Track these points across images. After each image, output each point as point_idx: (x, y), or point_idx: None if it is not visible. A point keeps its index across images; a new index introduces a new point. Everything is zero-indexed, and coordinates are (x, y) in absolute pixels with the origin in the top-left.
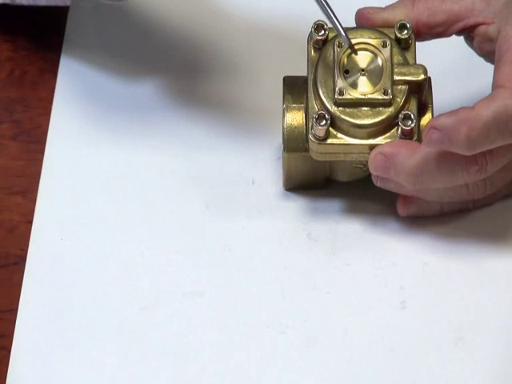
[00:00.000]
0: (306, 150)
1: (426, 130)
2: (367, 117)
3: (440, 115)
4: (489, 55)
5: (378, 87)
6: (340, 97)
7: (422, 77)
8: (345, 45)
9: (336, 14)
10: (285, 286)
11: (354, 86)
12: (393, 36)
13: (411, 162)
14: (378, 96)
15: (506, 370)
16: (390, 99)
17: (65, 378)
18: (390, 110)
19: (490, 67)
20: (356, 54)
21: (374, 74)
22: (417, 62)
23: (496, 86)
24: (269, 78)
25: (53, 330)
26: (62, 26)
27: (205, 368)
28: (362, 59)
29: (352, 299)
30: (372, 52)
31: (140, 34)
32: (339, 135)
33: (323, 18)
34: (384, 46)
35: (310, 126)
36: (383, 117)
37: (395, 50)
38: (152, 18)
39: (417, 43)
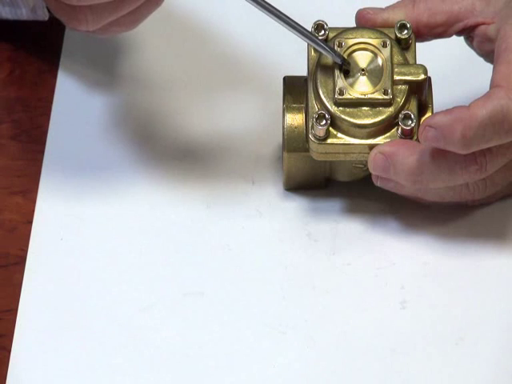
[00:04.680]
0: (306, 150)
1: (421, 127)
2: (367, 117)
3: (436, 113)
4: (488, 55)
5: (378, 87)
6: (340, 97)
7: (422, 77)
8: (345, 45)
9: (336, 14)
10: (285, 286)
11: (354, 85)
12: (393, 36)
13: (411, 161)
14: (378, 96)
15: (506, 369)
16: (390, 99)
17: (65, 379)
18: (390, 110)
19: (490, 67)
20: (348, 66)
21: (374, 74)
22: (417, 62)
23: (493, 85)
24: (268, 78)
25: (53, 330)
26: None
27: (205, 368)
28: (362, 59)
29: (352, 299)
30: (372, 52)
31: (140, 32)
32: (339, 135)
33: (323, 18)
34: (384, 45)
35: (310, 125)
36: (383, 117)
37: (395, 49)
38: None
39: (417, 43)
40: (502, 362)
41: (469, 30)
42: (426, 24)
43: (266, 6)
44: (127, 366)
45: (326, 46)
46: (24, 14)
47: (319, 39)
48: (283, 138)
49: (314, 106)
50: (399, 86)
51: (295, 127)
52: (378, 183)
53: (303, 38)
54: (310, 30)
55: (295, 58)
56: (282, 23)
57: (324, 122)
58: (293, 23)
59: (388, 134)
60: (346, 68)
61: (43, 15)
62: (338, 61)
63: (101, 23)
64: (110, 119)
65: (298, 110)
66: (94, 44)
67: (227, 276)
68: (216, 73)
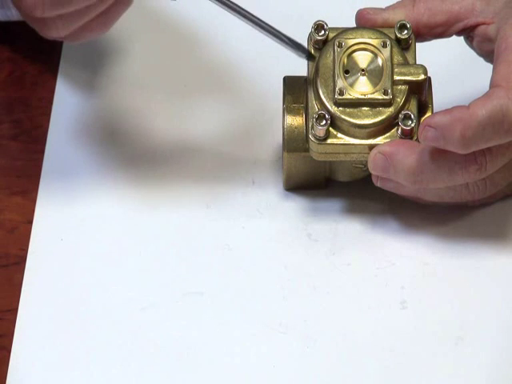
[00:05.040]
0: (306, 150)
1: (421, 127)
2: (367, 117)
3: (436, 113)
4: (488, 55)
5: (378, 87)
6: (340, 97)
7: (422, 77)
8: (345, 45)
9: (336, 14)
10: (285, 286)
11: (354, 85)
12: (393, 36)
13: (410, 160)
14: (378, 96)
15: (506, 369)
16: (390, 99)
17: (65, 379)
18: (390, 110)
19: (490, 67)
20: (312, 59)
21: (374, 74)
22: (417, 62)
23: (492, 85)
24: (269, 77)
25: (53, 330)
26: None
27: (205, 368)
28: (362, 59)
29: (352, 299)
30: (372, 52)
31: (140, 32)
32: (339, 135)
33: (323, 18)
34: (384, 46)
35: (310, 125)
36: (383, 117)
37: (395, 50)
38: (151, 16)
39: (417, 43)
40: (502, 361)
41: (469, 30)
42: (426, 24)
43: (229, 3)
44: (127, 365)
45: (287, 38)
46: (14, 14)
47: (280, 32)
48: (283, 138)
49: (314, 106)
50: (399, 86)
51: (295, 127)
52: (377, 183)
53: (264, 32)
54: (309, 30)
55: (295, 58)
56: (238, 15)
57: (324, 122)
58: (249, 15)
59: (388, 134)
60: (312, 58)
61: None
62: (303, 57)
63: (71, 28)
64: (109, 120)
65: (298, 110)
66: (95, 45)
67: (227, 276)
68: (216, 73)
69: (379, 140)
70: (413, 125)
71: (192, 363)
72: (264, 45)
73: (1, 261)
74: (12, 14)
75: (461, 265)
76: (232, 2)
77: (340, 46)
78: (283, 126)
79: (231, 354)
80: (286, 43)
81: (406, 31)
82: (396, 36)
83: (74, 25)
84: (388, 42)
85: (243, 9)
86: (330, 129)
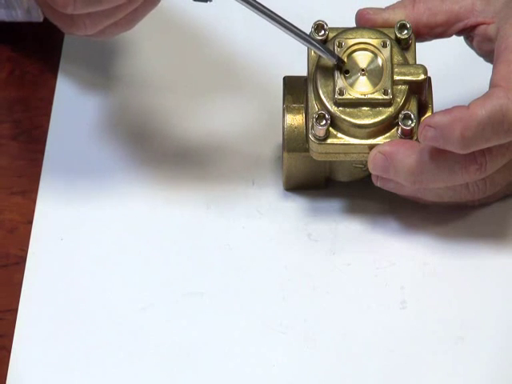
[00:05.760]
0: (306, 150)
1: (421, 127)
2: (367, 117)
3: (435, 113)
4: (488, 55)
5: (378, 87)
6: (340, 97)
7: (422, 77)
8: (345, 45)
9: (336, 14)
10: (285, 285)
11: (354, 85)
12: (393, 36)
13: (410, 160)
14: (378, 96)
15: (506, 369)
16: (390, 99)
17: (65, 379)
18: (390, 110)
19: (490, 67)
20: (342, 64)
21: (374, 74)
22: (417, 62)
23: (492, 85)
24: (268, 78)
25: (53, 330)
26: None
27: (205, 368)
28: (362, 59)
29: (352, 299)
30: (372, 52)
31: (141, 32)
32: (339, 135)
33: (323, 17)
34: (384, 46)
35: (310, 125)
36: (383, 117)
37: (395, 50)
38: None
39: (417, 43)
40: (502, 361)
41: (469, 30)
42: (426, 24)
43: (259, 6)
44: (127, 365)
45: (320, 45)
46: (19, 15)
47: (312, 38)
48: (283, 137)
49: (314, 106)
50: (399, 86)
51: (295, 127)
52: (377, 183)
53: (296, 38)
54: (309, 30)
55: (295, 58)
56: (275, 23)
57: (324, 122)
58: (284, 22)
59: (388, 134)
60: (341, 66)
61: (38, 16)
62: (333, 60)
63: (99, 27)
64: (109, 120)
65: (298, 110)
66: (95, 44)
67: (227, 276)
68: (216, 73)
69: (379, 140)
70: (413, 125)
71: (192, 363)
72: (264, 45)
73: (1, 261)
74: (17, 15)
75: (461, 265)
76: (261, 5)
77: (340, 45)
78: (283, 126)
79: (231, 353)
80: (317, 48)
81: (405, 31)
82: (396, 36)
83: (101, 23)
84: (388, 42)
85: (272, 11)
86: (330, 129)
